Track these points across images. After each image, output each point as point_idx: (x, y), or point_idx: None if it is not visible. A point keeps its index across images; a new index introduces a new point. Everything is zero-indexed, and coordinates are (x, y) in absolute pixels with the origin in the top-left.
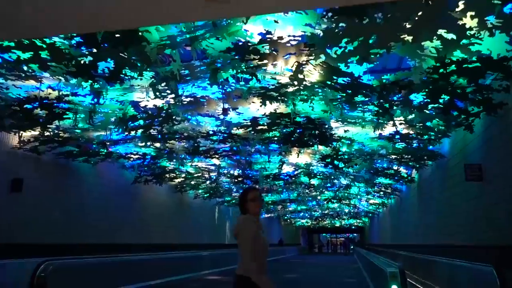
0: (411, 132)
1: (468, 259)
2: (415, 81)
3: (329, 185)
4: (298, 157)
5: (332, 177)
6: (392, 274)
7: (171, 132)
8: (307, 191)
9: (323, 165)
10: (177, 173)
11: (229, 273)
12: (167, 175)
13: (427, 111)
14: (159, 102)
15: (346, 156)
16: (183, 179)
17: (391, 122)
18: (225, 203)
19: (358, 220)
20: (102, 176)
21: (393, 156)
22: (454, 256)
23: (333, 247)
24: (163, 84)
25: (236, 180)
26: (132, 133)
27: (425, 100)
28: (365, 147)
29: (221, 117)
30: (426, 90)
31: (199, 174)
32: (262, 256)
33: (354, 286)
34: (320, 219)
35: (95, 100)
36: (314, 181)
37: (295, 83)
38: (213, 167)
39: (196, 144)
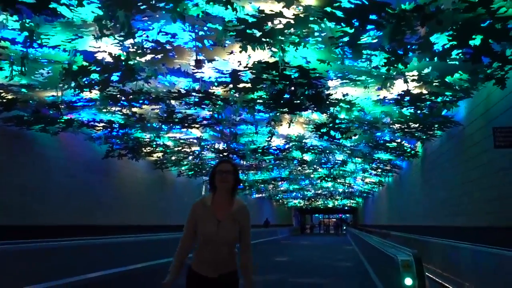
0: (425, 91)
1: (496, 244)
2: (445, 7)
3: (324, 160)
4: (289, 127)
5: (327, 151)
6: (406, 263)
7: (135, 92)
8: (299, 168)
9: (317, 136)
10: (154, 146)
11: None
12: (144, 149)
13: (450, 61)
14: (115, 51)
15: (344, 126)
16: (162, 153)
17: (401, 80)
18: None
19: (351, 201)
20: (66, 149)
21: (397, 126)
22: (473, 240)
23: (325, 228)
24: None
25: (221, 155)
26: (91, 95)
27: (451, 43)
28: (367, 115)
29: (195, 71)
30: (454, 27)
31: (179, 148)
32: (200, 246)
33: (351, 271)
34: (313, 199)
35: (28, 42)
36: (307, 157)
37: (284, 11)
38: (195, 140)
39: (169, 110)
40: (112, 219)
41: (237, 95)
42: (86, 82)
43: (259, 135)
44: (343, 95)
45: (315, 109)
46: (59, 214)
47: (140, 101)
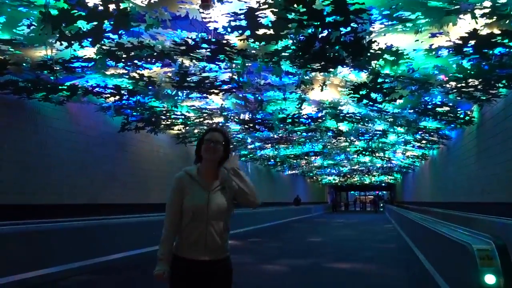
0: (497, 31)
1: None
2: None
3: (361, 130)
4: (322, 90)
5: (366, 119)
6: (485, 254)
7: (135, 46)
8: (334, 141)
9: (355, 100)
10: (172, 117)
11: (242, 237)
12: (163, 122)
13: None
14: None
15: (387, 86)
16: (183, 126)
17: (466, 16)
18: (241, 158)
19: (389, 177)
20: (76, 122)
21: (453, 84)
22: None
23: (361, 205)
24: None
25: (246, 126)
26: (88, 53)
27: None
28: (415, 73)
29: (205, 19)
30: None
31: (201, 120)
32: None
33: (395, 254)
34: (349, 175)
35: None
36: (343, 126)
37: None
38: (217, 110)
39: (181, 71)
40: (128, 197)
41: (257, 46)
42: (72, 32)
43: (288, 102)
44: (387, 47)
45: (352, 64)
46: (65, 192)
47: (144, 59)
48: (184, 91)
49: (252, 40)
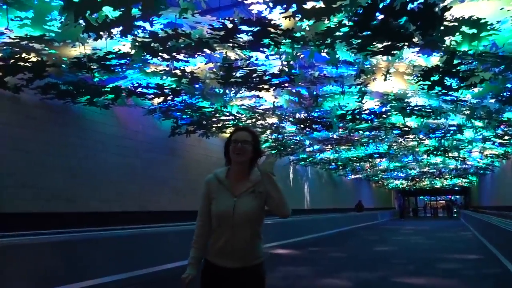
0: None
1: None
2: None
3: (432, 126)
4: (385, 80)
5: (438, 112)
6: None
7: (170, 36)
8: (401, 140)
9: (425, 88)
10: (223, 118)
11: (301, 246)
12: (214, 125)
13: None
14: None
15: (464, 67)
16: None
17: None
18: (301, 162)
19: (463, 180)
20: (125, 127)
21: None
22: None
23: (432, 211)
24: None
25: (302, 126)
26: (123, 47)
27: None
28: (499, 48)
29: None
30: None
31: (253, 120)
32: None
33: (479, 265)
34: (417, 179)
35: None
36: (411, 122)
37: None
38: (270, 110)
39: (225, 64)
40: (180, 204)
41: (306, 26)
42: (98, 21)
43: (346, 96)
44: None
45: (421, 40)
46: (113, 199)
47: (182, 51)
48: (232, 89)
49: (299, 16)
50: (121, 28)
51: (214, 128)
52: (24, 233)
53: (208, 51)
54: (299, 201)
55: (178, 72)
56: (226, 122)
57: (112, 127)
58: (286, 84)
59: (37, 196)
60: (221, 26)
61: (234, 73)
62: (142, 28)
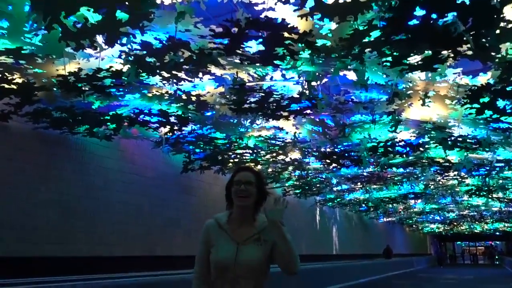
0: None
1: None
2: None
3: (476, 161)
4: (424, 104)
5: (486, 142)
6: None
7: (165, 46)
8: (439, 178)
9: (472, 116)
10: (238, 152)
11: None
12: (230, 160)
13: None
14: None
15: None
16: (254, 164)
17: None
18: (328, 203)
19: (506, 224)
20: (131, 161)
21: None
22: None
23: (472, 258)
24: None
25: (327, 162)
26: (115, 65)
27: None
28: None
29: None
30: None
31: (273, 155)
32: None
33: None
34: (455, 223)
35: None
36: (452, 156)
37: None
38: (289, 141)
39: (236, 86)
40: (193, 247)
41: (328, 30)
42: (76, 25)
43: (378, 126)
44: None
45: (473, 47)
46: (113, 242)
47: (183, 67)
48: (247, 117)
49: (319, 15)
50: (106, 34)
51: (230, 164)
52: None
53: (213, 69)
54: (327, 246)
55: (183, 96)
56: (244, 157)
57: (116, 161)
58: (308, 111)
59: (21, 239)
60: (223, 31)
61: (247, 98)
62: (132, 36)
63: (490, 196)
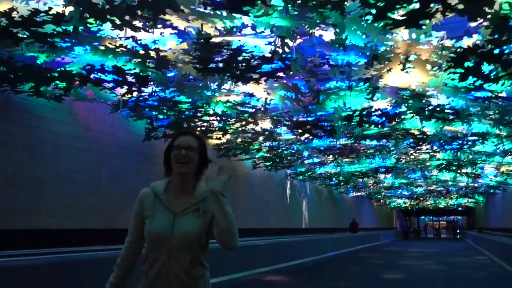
0: None
1: None
2: None
3: (450, 134)
4: (404, 69)
5: (465, 113)
6: None
7: None
8: (411, 152)
9: (453, 82)
10: (205, 118)
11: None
12: (197, 128)
13: None
14: None
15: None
16: (222, 133)
17: None
18: (299, 176)
19: (469, 199)
20: (86, 126)
21: None
22: None
23: (435, 232)
24: None
25: (299, 131)
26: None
27: None
28: None
29: None
30: None
31: (242, 123)
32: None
33: None
34: (422, 198)
35: None
36: (428, 128)
37: None
38: (261, 109)
39: (201, 40)
40: None
41: None
42: None
43: (354, 93)
44: None
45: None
46: (69, 214)
47: (138, 13)
48: (214, 80)
49: None
50: None
51: (197, 132)
52: None
53: (175, 21)
54: (296, 220)
55: (141, 51)
56: (211, 125)
57: (68, 126)
58: (281, 74)
59: None
60: None
61: (214, 57)
62: None
63: (459, 171)
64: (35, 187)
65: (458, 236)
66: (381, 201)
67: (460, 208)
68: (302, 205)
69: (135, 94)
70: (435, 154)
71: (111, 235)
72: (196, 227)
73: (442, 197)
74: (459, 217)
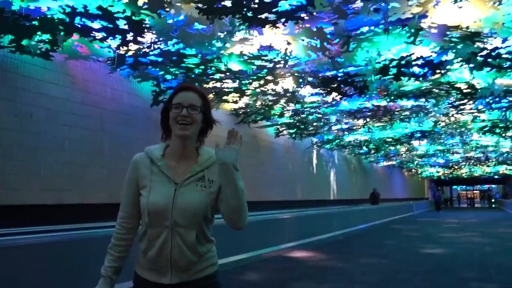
0: None
1: None
2: None
3: (502, 89)
4: (455, 1)
5: None
6: None
7: None
8: (453, 112)
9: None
10: (216, 76)
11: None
12: (210, 90)
13: None
14: None
15: None
16: (239, 96)
17: None
18: (326, 145)
19: (507, 167)
20: (85, 89)
21: None
22: None
23: (469, 202)
24: None
25: (326, 90)
26: None
27: None
28: None
29: None
30: None
31: (260, 83)
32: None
33: None
34: (456, 166)
35: None
36: (477, 80)
37: None
38: (280, 62)
39: None
40: None
41: None
42: None
43: (391, 36)
44: None
45: None
46: (67, 188)
47: None
48: (223, 27)
49: None
50: None
51: (210, 95)
52: None
53: None
54: (324, 191)
55: None
56: (225, 85)
57: (63, 89)
58: (303, 15)
59: None
60: None
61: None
62: None
63: (504, 134)
64: (26, 158)
65: (494, 206)
66: (413, 170)
67: (496, 177)
68: (329, 176)
69: (133, 47)
70: (479, 114)
71: (117, 211)
72: (202, 199)
73: (479, 165)
74: (493, 186)
